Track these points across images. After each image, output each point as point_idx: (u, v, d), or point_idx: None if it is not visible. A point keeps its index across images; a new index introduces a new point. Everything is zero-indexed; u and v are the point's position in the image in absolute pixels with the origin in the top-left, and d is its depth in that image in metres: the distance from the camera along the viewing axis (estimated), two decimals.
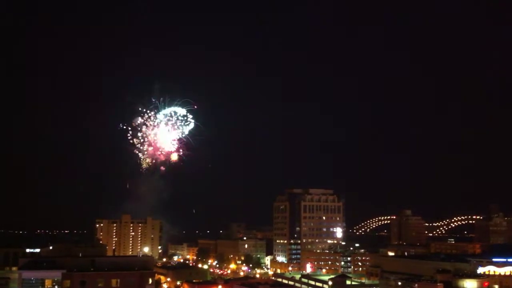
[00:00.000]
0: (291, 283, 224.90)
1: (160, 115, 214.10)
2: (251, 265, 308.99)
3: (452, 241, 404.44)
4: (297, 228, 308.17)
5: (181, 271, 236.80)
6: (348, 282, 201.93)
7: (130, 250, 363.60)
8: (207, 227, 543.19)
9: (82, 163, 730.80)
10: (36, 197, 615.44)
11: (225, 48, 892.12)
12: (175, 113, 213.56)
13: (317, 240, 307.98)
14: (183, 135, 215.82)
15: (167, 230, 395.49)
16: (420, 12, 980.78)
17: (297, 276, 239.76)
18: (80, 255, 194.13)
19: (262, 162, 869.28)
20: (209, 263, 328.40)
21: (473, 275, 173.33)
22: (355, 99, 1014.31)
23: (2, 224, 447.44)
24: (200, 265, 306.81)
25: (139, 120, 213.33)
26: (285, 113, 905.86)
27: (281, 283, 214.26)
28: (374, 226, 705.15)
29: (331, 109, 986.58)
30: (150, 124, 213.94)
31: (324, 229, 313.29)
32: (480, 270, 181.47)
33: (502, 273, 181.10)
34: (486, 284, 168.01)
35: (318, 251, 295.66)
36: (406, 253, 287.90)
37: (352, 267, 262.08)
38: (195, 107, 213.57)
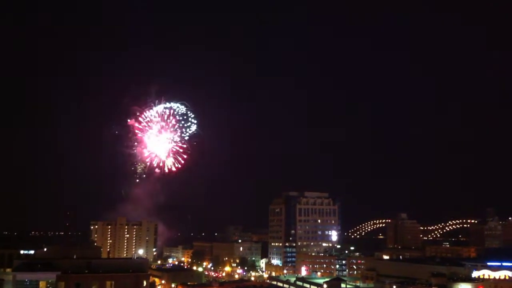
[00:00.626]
0: (286, 286, 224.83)
1: (156, 118, 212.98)
2: (246, 268, 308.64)
3: (447, 244, 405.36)
4: (293, 231, 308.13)
5: (176, 273, 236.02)
6: (343, 286, 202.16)
7: (125, 252, 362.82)
8: (202, 229, 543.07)
9: (79, 165, 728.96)
10: (31, 198, 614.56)
11: (225, 48, 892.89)
12: (172, 116, 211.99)
13: (312, 243, 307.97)
14: (179, 139, 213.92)
15: (162, 232, 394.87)
16: (420, 12, 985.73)
17: (292, 279, 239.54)
18: (75, 257, 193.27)
19: (261, 163, 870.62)
20: (204, 266, 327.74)
21: (468, 279, 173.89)
22: (355, 99, 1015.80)
23: None
24: (195, 268, 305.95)
25: (135, 123, 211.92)
26: (285, 113, 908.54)
27: (276, 286, 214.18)
28: (369, 230, 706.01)
29: (330, 109, 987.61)
30: (146, 127, 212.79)
31: (319, 232, 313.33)
32: (475, 274, 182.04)
33: (497, 277, 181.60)
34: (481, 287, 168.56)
35: (313, 254, 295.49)
36: (401, 257, 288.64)
37: (347, 270, 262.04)
38: (193, 111, 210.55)
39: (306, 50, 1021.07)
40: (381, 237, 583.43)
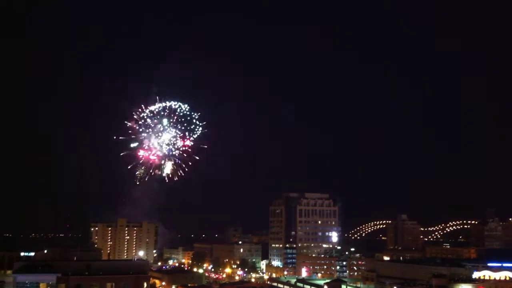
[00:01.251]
0: (286, 287, 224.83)
1: (157, 120, 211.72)
2: (246, 270, 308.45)
3: (448, 245, 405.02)
4: (293, 232, 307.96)
5: (176, 275, 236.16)
6: (343, 287, 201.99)
7: (125, 254, 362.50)
8: (202, 231, 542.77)
9: (79, 167, 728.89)
10: (31, 200, 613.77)
11: (225, 48, 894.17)
12: (174, 116, 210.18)
13: (312, 245, 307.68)
14: (182, 142, 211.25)
15: (162, 233, 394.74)
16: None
17: (293, 281, 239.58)
18: (75, 258, 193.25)
19: (261, 164, 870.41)
20: (204, 267, 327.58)
21: (469, 280, 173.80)
22: (354, 99, 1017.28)
23: None
24: (195, 269, 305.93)
25: (135, 125, 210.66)
26: (284, 114, 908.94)
27: None
28: (370, 231, 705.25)
29: (330, 109, 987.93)
30: (146, 129, 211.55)
31: (320, 233, 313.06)
32: (476, 274, 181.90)
33: (497, 278, 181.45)
34: None
35: (313, 255, 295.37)
36: (401, 258, 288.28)
37: (347, 271, 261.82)
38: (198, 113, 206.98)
39: (307, 50, 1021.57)
40: (382, 238, 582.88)
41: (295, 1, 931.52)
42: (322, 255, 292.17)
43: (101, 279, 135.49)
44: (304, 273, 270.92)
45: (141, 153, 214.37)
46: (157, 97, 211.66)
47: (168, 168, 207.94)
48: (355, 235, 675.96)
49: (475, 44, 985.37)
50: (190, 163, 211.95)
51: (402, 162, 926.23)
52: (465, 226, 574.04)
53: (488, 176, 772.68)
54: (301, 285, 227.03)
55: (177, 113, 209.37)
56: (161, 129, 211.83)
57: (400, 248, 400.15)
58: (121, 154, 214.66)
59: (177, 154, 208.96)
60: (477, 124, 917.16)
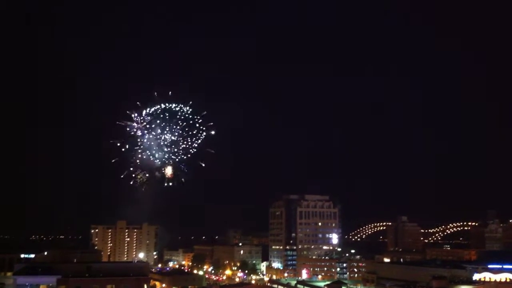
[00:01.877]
0: None
1: (158, 122, 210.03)
2: (246, 271, 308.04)
3: (448, 247, 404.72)
4: (293, 234, 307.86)
5: (176, 277, 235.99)
6: None
7: (125, 256, 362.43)
8: (202, 233, 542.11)
9: (78, 168, 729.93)
10: (31, 202, 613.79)
11: (226, 48, 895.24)
12: (176, 119, 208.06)
13: (313, 246, 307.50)
14: (185, 145, 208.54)
15: (162, 235, 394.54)
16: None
17: (293, 283, 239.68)
18: (75, 260, 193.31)
19: (261, 164, 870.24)
20: (204, 269, 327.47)
21: (469, 282, 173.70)
22: (354, 100, 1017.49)
23: None
24: (195, 271, 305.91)
25: (134, 127, 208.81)
26: (284, 114, 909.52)
27: None
28: (370, 232, 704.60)
29: (330, 110, 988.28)
30: (145, 132, 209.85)
31: (320, 235, 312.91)
32: (476, 276, 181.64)
33: (498, 280, 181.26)
34: None
35: (314, 257, 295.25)
36: (402, 260, 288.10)
37: (348, 273, 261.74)
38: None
39: (306, 51, 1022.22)
40: (382, 240, 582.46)
41: (295, 0, 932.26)
42: (323, 257, 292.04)
43: (101, 281, 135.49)
44: (304, 275, 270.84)
45: (141, 155, 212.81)
46: (157, 98, 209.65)
47: (168, 172, 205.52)
48: (355, 237, 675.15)
49: (475, 44, 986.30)
50: (192, 168, 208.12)
51: (402, 162, 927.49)
52: (465, 228, 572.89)
53: (488, 177, 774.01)
54: (301, 287, 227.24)
55: (178, 116, 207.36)
56: (161, 131, 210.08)
57: (400, 250, 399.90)
58: (119, 157, 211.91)
59: (177, 159, 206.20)
60: (477, 124, 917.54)
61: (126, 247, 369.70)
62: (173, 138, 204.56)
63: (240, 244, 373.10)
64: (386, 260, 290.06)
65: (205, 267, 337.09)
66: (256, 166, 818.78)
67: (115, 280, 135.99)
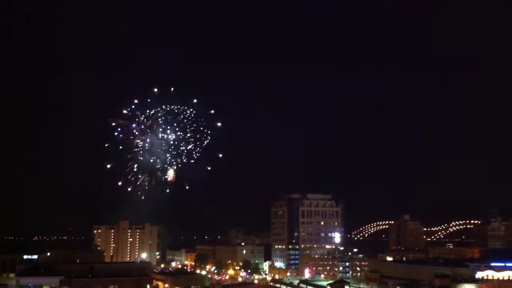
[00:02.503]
0: None
1: (160, 123, 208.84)
2: (249, 271, 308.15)
3: (451, 245, 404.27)
4: (295, 233, 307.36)
5: (179, 277, 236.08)
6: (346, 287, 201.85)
7: (128, 256, 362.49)
8: (205, 232, 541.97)
9: (80, 168, 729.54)
10: (31, 202, 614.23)
11: (226, 47, 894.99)
12: (179, 119, 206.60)
13: (315, 245, 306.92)
14: (188, 147, 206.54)
15: (165, 235, 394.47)
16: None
17: (296, 282, 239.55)
18: (78, 261, 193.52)
19: (261, 164, 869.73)
20: (207, 269, 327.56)
21: (472, 280, 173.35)
22: (354, 100, 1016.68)
23: None
24: (198, 271, 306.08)
25: (134, 128, 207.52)
26: (284, 114, 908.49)
27: None
28: (372, 231, 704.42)
29: (329, 110, 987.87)
30: (145, 133, 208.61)
31: (322, 234, 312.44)
32: (479, 274, 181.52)
33: (501, 278, 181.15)
34: None
35: (316, 256, 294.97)
36: (404, 258, 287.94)
37: (350, 272, 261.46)
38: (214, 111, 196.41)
39: (307, 51, 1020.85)
40: (384, 238, 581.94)
41: (295, 1, 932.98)
42: (325, 256, 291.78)
43: (104, 281, 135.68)
44: (307, 274, 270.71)
45: (142, 157, 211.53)
46: (158, 98, 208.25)
47: (170, 174, 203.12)
48: (358, 236, 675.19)
49: (475, 44, 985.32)
50: (198, 173, 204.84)
51: (402, 162, 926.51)
52: (468, 226, 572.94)
53: (487, 176, 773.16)
54: (304, 286, 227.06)
55: (178, 117, 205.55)
56: (162, 132, 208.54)
57: (402, 248, 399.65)
58: (119, 158, 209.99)
59: (179, 162, 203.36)
60: (477, 124, 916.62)
61: (128, 247, 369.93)
62: (174, 139, 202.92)
63: (243, 243, 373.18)
64: (389, 258, 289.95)
65: (208, 267, 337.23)
66: (256, 166, 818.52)
67: (117, 281, 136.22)
